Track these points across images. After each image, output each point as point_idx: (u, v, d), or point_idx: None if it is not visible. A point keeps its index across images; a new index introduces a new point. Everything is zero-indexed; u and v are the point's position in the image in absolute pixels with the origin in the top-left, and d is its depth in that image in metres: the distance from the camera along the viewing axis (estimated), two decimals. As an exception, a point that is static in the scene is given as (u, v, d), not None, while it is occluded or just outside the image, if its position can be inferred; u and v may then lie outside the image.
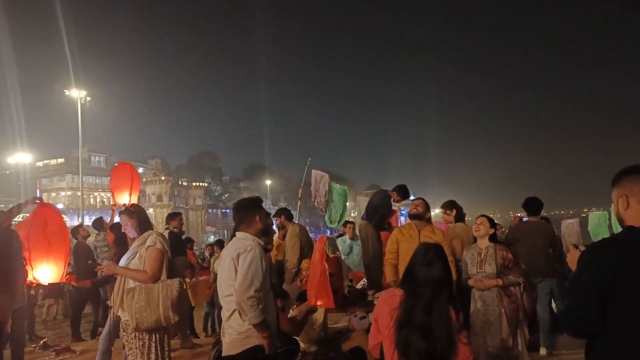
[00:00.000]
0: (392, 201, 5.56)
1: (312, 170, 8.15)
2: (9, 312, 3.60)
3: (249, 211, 3.03)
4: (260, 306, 2.70)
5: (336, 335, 5.00)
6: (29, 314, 6.48)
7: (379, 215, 5.42)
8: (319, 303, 4.18)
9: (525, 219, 5.82)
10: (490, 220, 4.11)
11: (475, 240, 4.20)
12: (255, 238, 2.92)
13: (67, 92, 27.06)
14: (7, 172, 43.45)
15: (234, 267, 2.80)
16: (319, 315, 4.65)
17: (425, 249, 2.28)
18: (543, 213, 5.73)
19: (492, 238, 4.03)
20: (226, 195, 73.13)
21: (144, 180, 50.67)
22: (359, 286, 5.62)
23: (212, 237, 48.23)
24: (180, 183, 62.91)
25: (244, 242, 2.87)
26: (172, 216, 6.36)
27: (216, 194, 73.33)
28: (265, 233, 3.11)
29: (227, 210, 69.92)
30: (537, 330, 4.98)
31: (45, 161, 55.47)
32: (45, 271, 4.20)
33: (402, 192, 5.45)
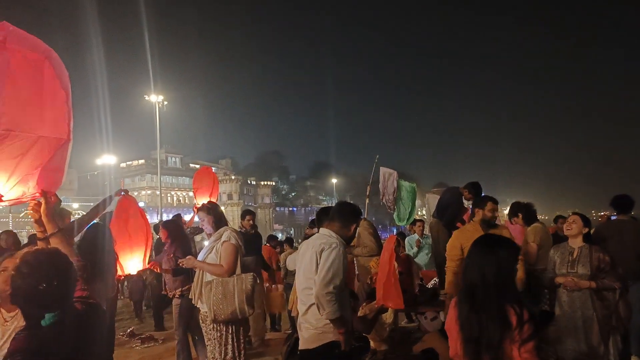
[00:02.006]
0: (463, 199, 5.39)
1: (380, 167, 8.08)
2: (103, 301, 3.90)
3: (349, 216, 3.07)
4: (338, 302, 2.73)
5: (406, 335, 4.93)
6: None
7: (449, 214, 5.28)
8: (389, 304, 4.14)
9: (613, 217, 5.40)
10: (584, 219, 3.79)
11: (557, 240, 3.94)
12: (339, 238, 2.96)
13: (146, 97, 28.82)
14: (95, 173, 47.32)
15: (316, 261, 2.84)
16: (389, 315, 4.62)
17: (477, 246, 2.13)
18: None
19: (587, 238, 3.75)
20: (293, 194, 74.47)
21: (215, 179, 52.69)
22: (429, 285, 5.50)
23: (280, 234, 49.40)
24: (249, 182, 64.89)
25: (329, 239, 2.91)
26: (242, 216, 6.46)
27: (283, 192, 74.85)
28: (348, 243, 3.14)
29: (294, 209, 71.28)
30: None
31: (128, 162, 59.49)
32: (129, 262, 4.47)
33: (475, 190, 5.27)
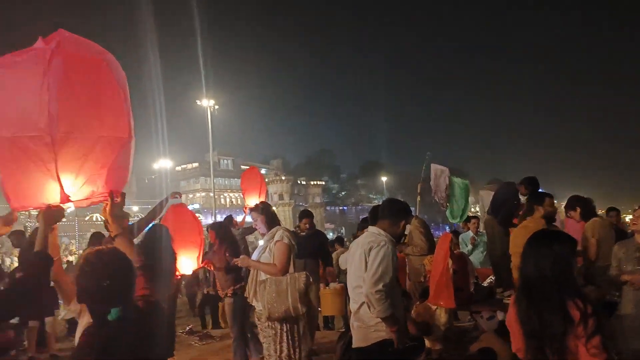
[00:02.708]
0: (519, 195, 5.20)
1: (432, 164, 7.94)
2: (164, 300, 4.08)
3: (398, 213, 3.05)
4: (389, 301, 2.72)
5: (462, 335, 4.83)
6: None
7: (505, 210, 5.11)
8: (440, 302, 4.08)
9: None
10: None
11: (620, 235, 3.72)
12: (389, 235, 2.94)
13: (198, 102, 29.82)
14: (153, 177, 49.58)
15: (365, 260, 2.84)
16: (443, 314, 4.54)
17: (532, 241, 2.06)
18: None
19: None
20: (343, 193, 74.45)
21: (266, 180, 53.35)
22: (485, 284, 5.35)
23: (332, 233, 49.55)
24: (299, 182, 65.50)
25: (377, 237, 2.91)
26: (299, 217, 6.37)
27: (334, 191, 75.01)
28: (398, 240, 3.13)
29: (345, 208, 71.23)
30: None
31: (183, 166, 61.74)
32: (184, 261, 4.64)
33: (532, 185, 5.06)
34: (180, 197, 5.37)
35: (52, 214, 1.94)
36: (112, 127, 1.99)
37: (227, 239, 5.29)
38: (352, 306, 3.01)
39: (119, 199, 2.07)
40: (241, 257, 4.21)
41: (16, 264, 9.38)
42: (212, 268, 5.20)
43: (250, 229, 7.21)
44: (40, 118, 1.78)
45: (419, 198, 8.50)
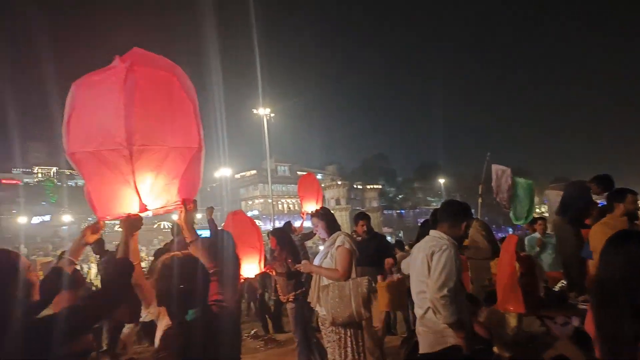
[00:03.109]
0: (591, 194, 4.91)
1: (492, 165, 7.68)
2: (233, 304, 4.22)
3: (457, 214, 3.00)
4: (454, 306, 2.67)
5: (531, 341, 4.62)
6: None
7: (575, 210, 4.85)
8: (509, 307, 3.93)
9: None
10: None
11: None
12: (450, 239, 2.90)
13: (254, 111, 30.63)
14: (214, 185, 51.47)
15: (427, 265, 2.81)
16: (512, 319, 4.37)
17: (608, 242, 1.89)
18: None
19: None
20: (400, 197, 73.52)
21: (322, 185, 53.93)
22: (556, 288, 5.09)
23: (389, 237, 48.86)
24: (355, 186, 65.44)
25: (439, 241, 2.87)
26: (354, 221, 5.96)
27: (390, 195, 74.26)
28: (460, 241, 3.07)
29: (402, 211, 70.27)
30: None
31: (242, 173, 63.58)
32: (246, 266, 4.75)
33: (604, 184, 4.77)
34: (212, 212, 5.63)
35: (132, 223, 2.07)
36: (183, 139, 2.10)
37: (288, 245, 5.38)
38: (417, 311, 2.97)
39: (192, 207, 2.18)
40: (303, 262, 4.27)
41: (93, 270, 10.06)
42: (273, 274, 5.30)
43: (309, 235, 7.30)
44: (119, 133, 1.90)
45: (480, 200, 8.25)
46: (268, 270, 5.23)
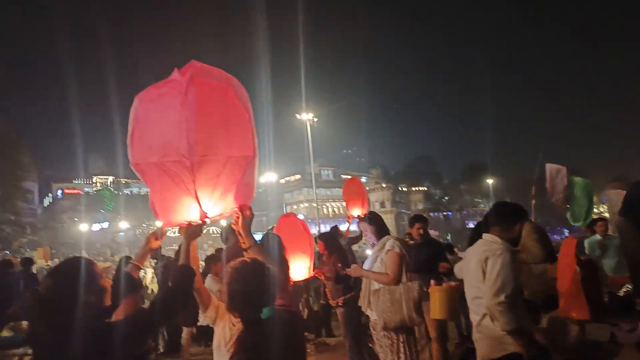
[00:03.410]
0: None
1: (547, 164, 7.38)
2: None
3: (510, 216, 2.93)
4: (512, 312, 2.59)
5: (595, 348, 4.40)
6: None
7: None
8: (572, 313, 3.77)
9: None
10: None
11: None
12: (505, 242, 2.82)
13: (298, 116, 30.95)
14: (260, 190, 52.40)
15: (481, 270, 2.76)
16: (574, 325, 4.18)
17: None
18: None
19: None
20: (446, 198, 71.95)
21: (367, 188, 53.24)
22: (621, 293, 4.83)
23: (436, 240, 47.78)
24: (400, 189, 64.75)
25: (493, 245, 2.80)
26: (410, 223, 5.62)
27: (436, 197, 72.81)
28: (514, 244, 2.98)
29: (449, 213, 68.73)
30: None
31: (287, 178, 64.38)
32: (296, 270, 4.78)
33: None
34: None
35: (192, 230, 2.15)
36: (239, 147, 2.16)
37: (336, 249, 5.38)
38: (473, 317, 2.90)
39: (248, 213, 2.24)
40: (353, 266, 4.26)
41: (149, 275, 10.46)
42: (322, 278, 5.32)
43: (356, 239, 7.27)
44: (180, 144, 2.00)
45: (533, 201, 7.95)
46: (317, 275, 5.27)
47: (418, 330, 4.11)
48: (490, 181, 60.26)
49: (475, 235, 3.96)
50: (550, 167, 7.31)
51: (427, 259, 4.87)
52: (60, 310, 1.61)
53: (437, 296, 4.41)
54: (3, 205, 26.71)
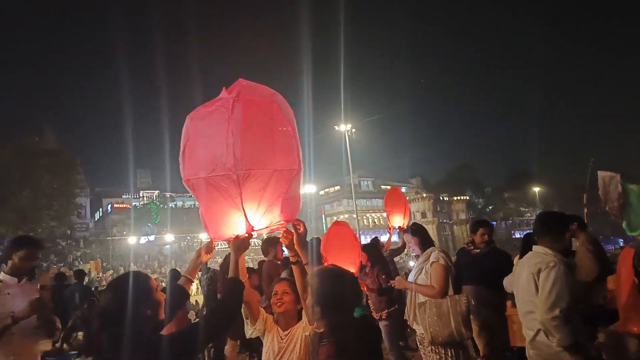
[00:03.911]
0: None
1: (598, 171, 7.06)
2: None
3: (558, 226, 2.85)
4: (569, 327, 2.49)
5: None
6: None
7: None
8: (632, 328, 3.56)
9: None
10: None
11: None
12: (557, 254, 2.73)
13: (336, 128, 31.06)
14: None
15: (534, 283, 2.67)
16: (634, 340, 3.95)
17: None
18: None
19: None
20: (490, 208, 69.95)
21: (407, 199, 53.12)
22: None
23: (480, 251, 46.42)
24: (441, 198, 63.56)
25: (544, 257, 2.71)
26: (472, 229, 5.15)
27: (479, 206, 70.94)
28: (565, 253, 2.87)
29: (494, 223, 66.72)
30: None
31: (326, 190, 64.53)
32: None
33: None
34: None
35: (241, 243, 2.19)
36: (284, 161, 2.21)
37: (379, 261, 5.33)
38: (527, 333, 2.80)
39: (302, 229, 2.28)
40: (397, 278, 4.21)
41: (194, 287, 10.72)
42: (365, 290, 5.28)
43: (397, 250, 7.18)
44: (227, 158, 2.06)
45: (585, 209, 7.61)
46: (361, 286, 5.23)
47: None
48: (537, 189, 58.14)
49: (525, 247, 3.80)
50: (602, 174, 6.96)
51: (493, 271, 4.29)
52: (119, 322, 1.67)
53: (515, 320, 3.86)
54: (59, 220, 28.15)
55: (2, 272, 3.06)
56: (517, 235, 57.29)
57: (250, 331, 2.52)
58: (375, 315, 5.13)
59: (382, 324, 5.08)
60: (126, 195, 60.86)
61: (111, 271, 33.00)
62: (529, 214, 64.02)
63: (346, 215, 59.65)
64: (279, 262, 5.33)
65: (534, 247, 2.86)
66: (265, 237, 5.54)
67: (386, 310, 5.00)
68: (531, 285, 2.66)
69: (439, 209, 61.99)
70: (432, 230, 50.52)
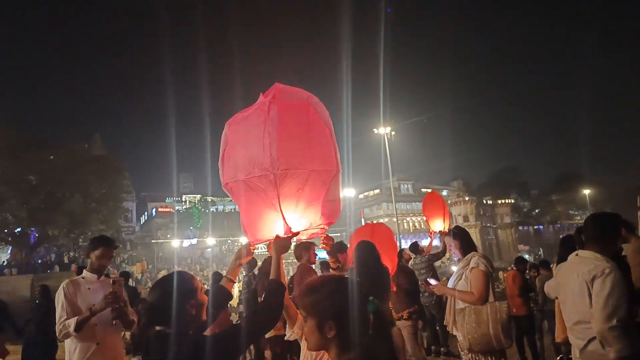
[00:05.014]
0: None
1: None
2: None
3: (610, 229, 2.69)
4: (628, 337, 2.36)
5: None
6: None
7: None
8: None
9: None
10: None
11: None
12: (609, 259, 2.56)
13: (375, 131, 30.86)
14: (339, 206, 52.70)
15: (587, 291, 2.52)
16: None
17: None
18: None
19: None
20: (536, 211, 67.50)
21: (448, 202, 52.24)
22: None
23: (527, 255, 45.01)
24: (484, 202, 61.93)
25: (597, 263, 2.54)
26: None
27: (525, 209, 68.60)
28: (615, 258, 2.73)
29: (540, 227, 64.41)
30: None
31: (365, 193, 64.20)
32: None
33: None
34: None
35: (280, 244, 2.19)
36: (321, 162, 2.22)
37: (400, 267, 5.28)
38: (576, 343, 2.67)
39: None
40: (437, 284, 4.15)
41: (235, 289, 10.93)
42: (394, 289, 5.25)
43: (437, 255, 7.07)
44: (264, 159, 2.10)
45: (639, 213, 7.23)
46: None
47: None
48: (587, 191, 55.57)
49: (564, 250, 3.60)
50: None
51: None
52: (166, 319, 1.72)
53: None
54: (107, 224, 29.34)
55: (84, 270, 3.42)
56: (566, 240, 54.78)
57: (289, 334, 2.55)
58: (395, 315, 5.06)
59: (403, 324, 5.00)
60: (169, 199, 62.81)
61: (163, 270, 34.49)
62: (578, 217, 61.30)
63: (386, 219, 59.05)
64: (312, 266, 5.39)
65: (581, 252, 2.70)
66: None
67: (407, 310, 4.92)
68: (584, 294, 2.52)
69: (482, 213, 60.41)
70: (475, 234, 49.25)
